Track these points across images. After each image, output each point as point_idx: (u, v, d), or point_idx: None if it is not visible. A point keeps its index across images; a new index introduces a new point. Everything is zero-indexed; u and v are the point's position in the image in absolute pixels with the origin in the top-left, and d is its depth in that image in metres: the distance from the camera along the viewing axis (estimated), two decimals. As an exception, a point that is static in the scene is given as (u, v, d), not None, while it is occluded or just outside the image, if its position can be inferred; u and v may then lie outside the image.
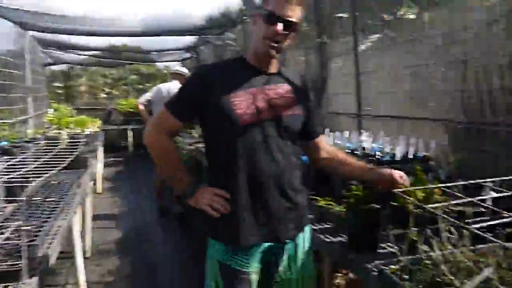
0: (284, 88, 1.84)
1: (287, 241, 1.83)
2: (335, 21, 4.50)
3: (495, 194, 1.87)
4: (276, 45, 1.71)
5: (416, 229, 1.61)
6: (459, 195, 1.56)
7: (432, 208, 1.33)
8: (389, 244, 1.87)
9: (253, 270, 1.78)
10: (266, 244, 1.78)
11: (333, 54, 4.54)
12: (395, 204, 1.79)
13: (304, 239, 1.90)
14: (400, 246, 1.70)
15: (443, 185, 1.58)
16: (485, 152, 2.73)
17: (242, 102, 1.73)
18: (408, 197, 1.50)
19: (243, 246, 1.74)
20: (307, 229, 1.93)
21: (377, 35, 3.90)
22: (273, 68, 1.84)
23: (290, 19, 1.69)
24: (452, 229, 1.59)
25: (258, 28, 1.74)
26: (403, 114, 3.45)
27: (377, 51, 3.90)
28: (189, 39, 9.67)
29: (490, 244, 1.59)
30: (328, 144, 2.15)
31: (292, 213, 1.82)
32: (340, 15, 4.33)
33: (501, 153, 2.61)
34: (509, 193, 1.42)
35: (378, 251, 1.95)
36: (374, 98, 3.92)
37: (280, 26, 1.68)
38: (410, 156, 2.76)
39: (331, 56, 4.57)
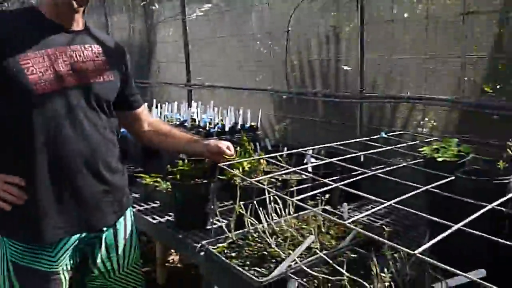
0: (93, 50, 1.55)
1: (104, 228, 1.58)
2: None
3: (314, 161, 1.96)
4: (77, -6, 1.40)
5: (243, 202, 1.56)
6: (283, 164, 1.55)
7: (257, 180, 1.26)
8: (219, 219, 1.79)
9: (62, 269, 1.49)
10: (77, 236, 1.50)
11: (161, 20, 4.26)
12: (223, 177, 1.70)
13: (125, 224, 1.68)
14: (229, 221, 1.64)
15: (267, 156, 1.55)
16: (306, 120, 2.89)
17: (35, 66, 1.38)
18: (232, 170, 1.42)
19: (46, 243, 1.44)
20: (128, 212, 1.71)
21: (208, 5, 3.78)
22: (78, 25, 1.52)
23: (95, -36, 1.39)
24: (278, 199, 1.58)
25: None
26: (233, 85, 3.44)
27: (208, 20, 3.78)
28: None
29: (311, 210, 1.64)
30: (150, 115, 1.94)
31: (109, 196, 1.57)
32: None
33: (319, 120, 2.80)
34: (326, 160, 1.45)
35: (208, 227, 1.86)
36: (204, 68, 3.82)
37: (83, -27, 1.37)
38: (239, 126, 2.75)
39: (158, 22, 4.28)
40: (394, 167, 1.42)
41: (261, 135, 2.88)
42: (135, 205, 2.20)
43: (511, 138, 1.45)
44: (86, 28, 1.56)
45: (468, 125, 2.05)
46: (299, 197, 1.16)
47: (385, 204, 1.03)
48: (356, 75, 2.50)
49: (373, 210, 1.04)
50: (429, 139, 1.83)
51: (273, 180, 1.72)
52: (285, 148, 2.19)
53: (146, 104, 3.00)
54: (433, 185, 1.20)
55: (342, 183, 1.18)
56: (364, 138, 1.90)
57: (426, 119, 2.25)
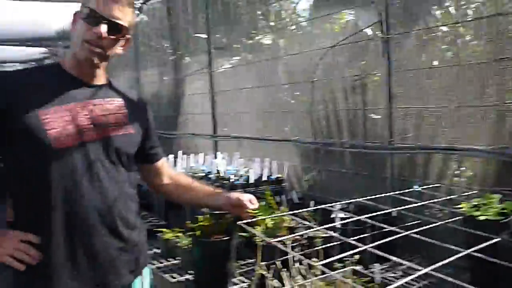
0: (114, 103, 1.54)
1: (119, 289, 1.50)
2: (191, 40, 4.35)
3: (343, 216, 1.84)
4: (99, 50, 1.41)
5: (264, 263, 1.45)
6: (309, 221, 1.45)
7: (279, 241, 1.17)
8: (240, 279, 1.68)
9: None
10: (90, 298, 1.42)
11: (189, 73, 4.36)
12: (244, 234, 1.61)
13: (142, 284, 1.59)
14: (250, 281, 1.53)
15: (291, 212, 1.46)
16: (334, 172, 2.79)
17: (56, 121, 1.37)
18: (253, 228, 1.33)
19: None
20: (147, 271, 1.62)
21: (237, 58, 3.85)
22: (99, 80, 1.53)
23: (117, 21, 1.40)
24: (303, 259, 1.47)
25: (78, 29, 1.42)
26: (259, 136, 3.40)
27: (234, 72, 3.84)
28: (35, 51, 8.57)
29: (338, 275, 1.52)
30: (171, 168, 1.89)
31: (125, 254, 1.50)
32: (197, 34, 4.20)
33: (348, 172, 2.69)
34: (355, 218, 1.34)
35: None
36: (231, 119, 3.82)
37: (104, 28, 1.38)
38: (264, 178, 2.68)
39: (186, 75, 4.38)
40: (430, 226, 1.29)
41: (287, 187, 2.79)
42: (155, 262, 2.13)
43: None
44: (108, 82, 1.57)
45: (510, 175, 1.90)
46: (325, 261, 1.05)
47: (420, 272, 0.91)
48: (385, 125, 2.41)
49: (407, 278, 0.92)
50: (467, 193, 1.69)
51: (298, 237, 1.62)
52: (312, 202, 2.09)
53: (171, 156, 3.00)
54: (474, 248, 1.06)
55: (372, 245, 1.07)
56: (396, 192, 1.77)
57: (463, 168, 2.11)
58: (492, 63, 1.94)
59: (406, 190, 1.84)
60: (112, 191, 1.45)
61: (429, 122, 2.22)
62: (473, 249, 1.07)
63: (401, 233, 1.21)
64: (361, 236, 1.68)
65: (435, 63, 2.23)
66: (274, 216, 1.57)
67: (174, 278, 1.91)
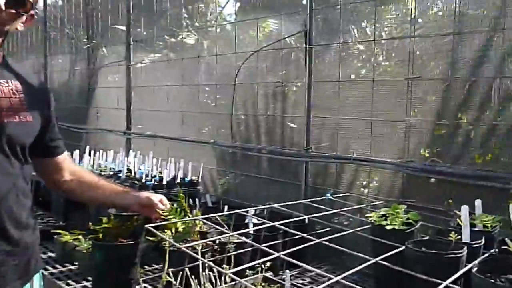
0: (10, 86, 1.35)
1: (2, 299, 1.31)
2: (108, 30, 4.10)
3: (256, 222, 1.82)
4: (-5, 25, 1.23)
5: (172, 269, 1.36)
6: (223, 225, 1.40)
7: (188, 246, 1.09)
8: (145, 286, 1.57)
9: None
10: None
11: (105, 64, 4.10)
12: (152, 239, 1.51)
13: (31, 292, 1.41)
14: (156, 289, 1.43)
15: (204, 216, 1.40)
16: (250, 176, 2.77)
17: None
18: (162, 232, 1.24)
19: None
20: (37, 277, 1.45)
21: (158, 54, 3.70)
22: (-6, 58, 1.34)
23: (20, -5, 1.24)
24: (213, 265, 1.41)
25: None
26: (176, 135, 3.28)
27: (155, 68, 3.68)
28: None
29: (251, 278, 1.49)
30: (74, 163, 1.73)
31: (13, 258, 1.31)
32: (116, 26, 3.97)
33: (263, 177, 2.69)
34: (269, 224, 1.32)
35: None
36: (147, 117, 3.65)
37: (2, 1, 1.21)
38: (178, 180, 2.58)
39: (102, 66, 4.12)
40: (341, 234, 1.31)
41: (202, 190, 2.71)
42: (48, 267, 1.92)
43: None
44: (4, 62, 1.38)
45: (413, 188, 2.02)
46: (235, 269, 1.00)
47: (330, 282, 0.90)
48: (302, 133, 2.45)
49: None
50: (375, 202, 1.76)
51: (209, 243, 1.55)
52: (226, 207, 2.04)
53: (77, 151, 2.77)
54: (382, 256, 1.09)
55: (284, 252, 1.05)
56: (309, 200, 1.80)
57: (370, 179, 2.21)
58: (403, 81, 2.06)
59: (319, 198, 1.87)
60: (1, 184, 1.27)
61: (343, 133, 2.30)
62: (380, 257, 1.09)
63: (313, 240, 1.20)
64: (274, 242, 1.68)
65: (352, 77, 2.32)
66: (186, 220, 1.49)
67: (70, 285, 1.74)
